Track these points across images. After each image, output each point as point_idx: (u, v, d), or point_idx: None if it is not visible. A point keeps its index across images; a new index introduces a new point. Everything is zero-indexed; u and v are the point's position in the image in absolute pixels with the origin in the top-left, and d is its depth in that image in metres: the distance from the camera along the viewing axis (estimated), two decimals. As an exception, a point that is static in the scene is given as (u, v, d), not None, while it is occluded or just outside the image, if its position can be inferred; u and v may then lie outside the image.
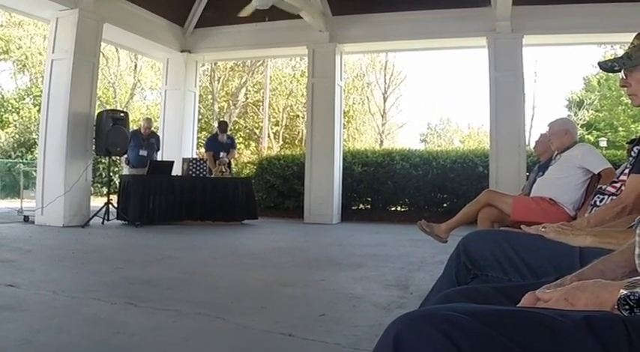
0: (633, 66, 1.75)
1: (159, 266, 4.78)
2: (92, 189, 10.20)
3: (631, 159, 2.04)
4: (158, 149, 10.06)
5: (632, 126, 25.68)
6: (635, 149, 2.01)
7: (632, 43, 1.78)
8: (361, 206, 11.74)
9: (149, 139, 9.70)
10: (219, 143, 10.18)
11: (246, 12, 8.57)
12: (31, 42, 23.93)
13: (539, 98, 41.81)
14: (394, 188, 10.85)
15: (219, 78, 24.17)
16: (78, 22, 8.21)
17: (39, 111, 13.65)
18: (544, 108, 47.82)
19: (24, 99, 24.21)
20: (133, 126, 10.16)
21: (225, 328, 2.71)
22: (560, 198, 3.63)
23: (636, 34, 1.79)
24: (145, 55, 14.05)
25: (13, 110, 23.36)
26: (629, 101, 1.85)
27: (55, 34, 8.45)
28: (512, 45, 9.21)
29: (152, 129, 10.08)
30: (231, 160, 10.79)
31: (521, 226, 1.74)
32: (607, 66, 1.82)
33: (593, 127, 28.18)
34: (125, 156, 9.49)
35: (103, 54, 18.39)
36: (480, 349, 0.75)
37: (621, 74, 1.82)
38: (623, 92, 1.86)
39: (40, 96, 13.61)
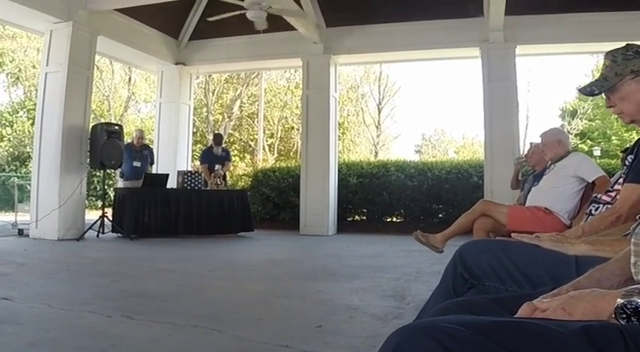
0: (611, 86, 1.77)
1: (154, 279, 4.77)
2: (87, 202, 10.16)
3: (625, 168, 2.04)
4: (152, 162, 10.03)
5: (625, 134, 25.78)
6: (628, 158, 2.01)
7: (604, 64, 1.80)
8: (357, 217, 11.72)
9: (142, 151, 9.66)
10: (214, 155, 10.19)
11: (217, 17, 8.57)
12: (24, 55, 23.87)
13: (532, 108, 42.13)
14: (389, 199, 10.85)
15: (214, 90, 24.12)
16: (72, 34, 8.22)
17: (33, 124, 13.68)
18: (538, 117, 48.24)
19: (18, 112, 24.11)
20: (127, 139, 10.13)
21: (221, 340, 2.69)
22: (555, 207, 3.63)
23: (605, 53, 1.81)
24: (139, 67, 14.08)
25: (7, 124, 23.25)
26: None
27: (48, 47, 8.45)
28: (505, 55, 9.27)
29: (145, 141, 10.06)
30: (226, 173, 10.79)
31: (512, 234, 1.74)
32: (587, 91, 1.84)
33: (586, 137, 28.30)
34: (119, 169, 9.47)
35: (97, 67, 18.34)
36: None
37: (604, 96, 1.83)
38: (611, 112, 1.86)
39: (34, 109, 13.59)
